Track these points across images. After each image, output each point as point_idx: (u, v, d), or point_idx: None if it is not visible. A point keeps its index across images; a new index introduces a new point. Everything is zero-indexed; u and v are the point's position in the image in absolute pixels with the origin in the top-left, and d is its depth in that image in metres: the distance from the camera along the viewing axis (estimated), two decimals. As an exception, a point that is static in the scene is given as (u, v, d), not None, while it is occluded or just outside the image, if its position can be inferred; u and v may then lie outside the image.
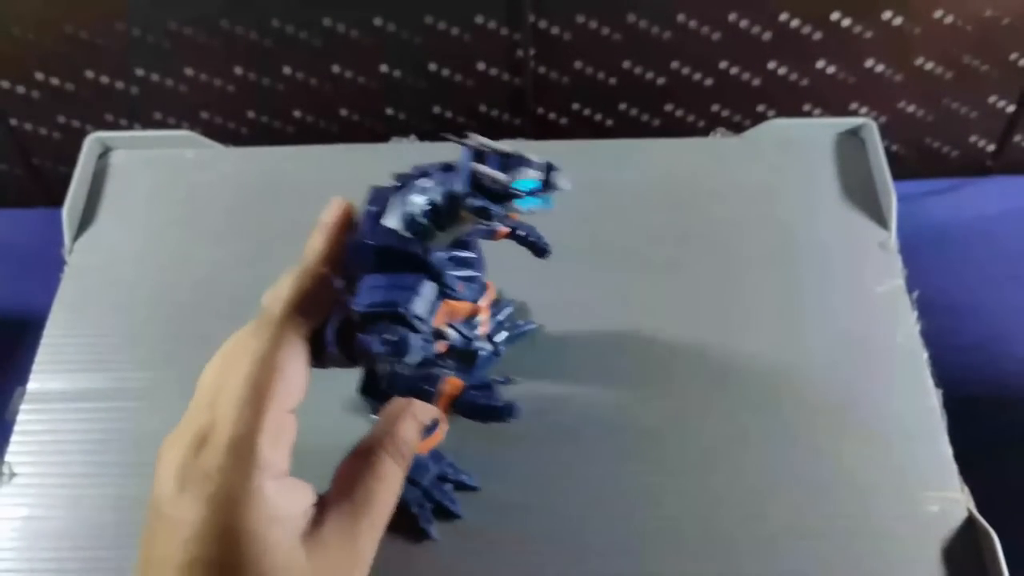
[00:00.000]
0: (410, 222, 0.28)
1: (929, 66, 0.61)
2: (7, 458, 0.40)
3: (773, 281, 0.44)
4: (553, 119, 0.65)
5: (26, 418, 0.41)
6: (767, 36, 0.59)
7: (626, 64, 0.61)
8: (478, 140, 0.27)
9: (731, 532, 0.37)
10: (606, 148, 0.50)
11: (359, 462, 0.31)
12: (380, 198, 0.30)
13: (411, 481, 0.37)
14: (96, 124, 0.63)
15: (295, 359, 0.29)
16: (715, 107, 0.64)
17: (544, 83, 0.62)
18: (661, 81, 0.62)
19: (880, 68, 0.61)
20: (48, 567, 0.37)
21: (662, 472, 0.38)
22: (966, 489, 0.38)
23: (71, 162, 0.48)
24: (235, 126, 0.65)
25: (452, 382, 0.29)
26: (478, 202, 0.26)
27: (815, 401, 0.40)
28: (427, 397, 0.29)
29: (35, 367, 0.42)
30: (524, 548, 0.37)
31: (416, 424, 0.32)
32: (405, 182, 0.29)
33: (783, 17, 0.58)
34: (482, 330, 0.37)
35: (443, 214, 0.28)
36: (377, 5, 0.58)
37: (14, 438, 0.40)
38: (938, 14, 0.57)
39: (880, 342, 0.42)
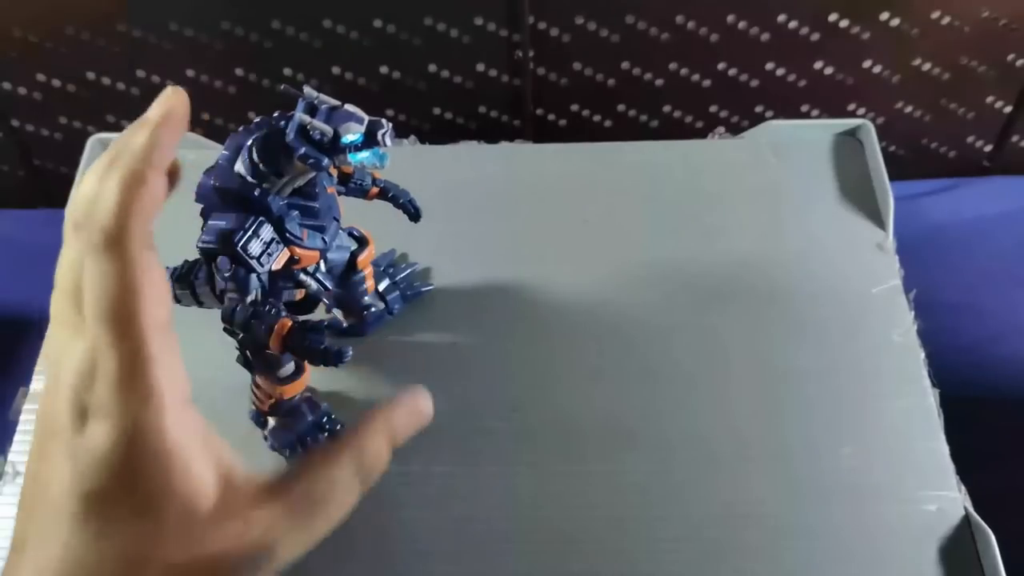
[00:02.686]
0: (251, 168, 0.30)
1: (927, 67, 0.61)
2: (10, 457, 0.40)
3: (770, 282, 0.44)
4: (552, 120, 0.65)
5: (29, 418, 0.41)
6: (765, 37, 0.59)
7: (625, 65, 0.61)
8: (310, 93, 0.29)
9: (726, 531, 0.37)
10: (604, 150, 0.50)
11: (321, 462, 0.28)
12: (234, 146, 0.31)
13: (286, 427, 0.38)
14: (98, 125, 0.64)
15: (152, 271, 0.26)
16: (713, 108, 0.64)
17: (543, 84, 0.62)
18: (660, 82, 0.62)
19: (878, 69, 0.61)
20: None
21: (657, 472, 0.38)
22: (963, 488, 0.38)
23: (73, 163, 0.48)
24: (236, 127, 0.64)
25: (283, 322, 0.30)
26: (303, 149, 0.28)
27: (812, 401, 0.40)
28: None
29: (37, 367, 0.42)
30: (515, 548, 0.37)
31: (386, 439, 0.29)
32: (254, 131, 0.31)
33: (781, 18, 0.58)
34: (368, 285, 0.39)
35: (278, 161, 0.30)
36: (377, 7, 0.58)
37: (17, 437, 0.41)
38: (935, 15, 0.58)
39: (877, 342, 0.42)
